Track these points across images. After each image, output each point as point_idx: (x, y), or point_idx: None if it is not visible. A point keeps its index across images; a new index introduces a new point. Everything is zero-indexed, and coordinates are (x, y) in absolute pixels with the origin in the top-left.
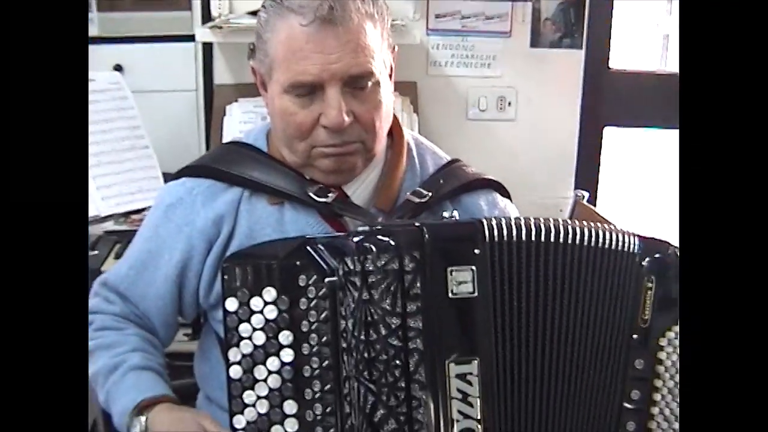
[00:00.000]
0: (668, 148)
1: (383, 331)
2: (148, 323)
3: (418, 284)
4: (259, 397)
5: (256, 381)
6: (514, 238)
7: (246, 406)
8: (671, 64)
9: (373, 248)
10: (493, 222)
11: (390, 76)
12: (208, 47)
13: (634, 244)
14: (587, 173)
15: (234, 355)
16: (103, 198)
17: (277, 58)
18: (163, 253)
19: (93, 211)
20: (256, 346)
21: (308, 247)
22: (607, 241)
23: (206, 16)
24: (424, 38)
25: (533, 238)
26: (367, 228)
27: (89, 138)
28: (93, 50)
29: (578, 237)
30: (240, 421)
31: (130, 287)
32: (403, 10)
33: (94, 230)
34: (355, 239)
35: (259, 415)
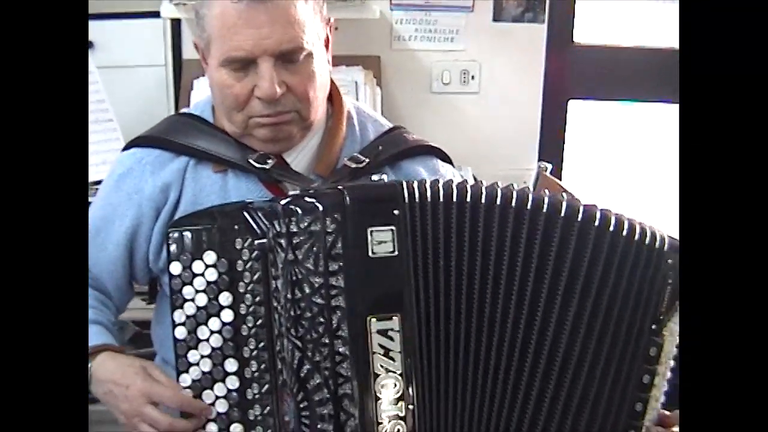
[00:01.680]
0: (634, 121)
1: (307, 290)
2: (101, 286)
3: (340, 244)
4: (202, 356)
5: (200, 341)
6: (436, 200)
7: (191, 365)
8: (636, 38)
9: (299, 210)
10: (414, 184)
11: (327, 47)
12: (176, 23)
13: (661, 240)
14: (551, 146)
15: (179, 316)
16: None
17: (213, 33)
18: (114, 220)
19: None
20: (198, 308)
21: (245, 212)
22: (539, 205)
23: None
24: (388, 13)
25: (454, 200)
26: (297, 191)
27: None
28: None
29: (502, 200)
30: (185, 380)
31: None
32: None
33: None
34: (283, 202)
35: (203, 373)
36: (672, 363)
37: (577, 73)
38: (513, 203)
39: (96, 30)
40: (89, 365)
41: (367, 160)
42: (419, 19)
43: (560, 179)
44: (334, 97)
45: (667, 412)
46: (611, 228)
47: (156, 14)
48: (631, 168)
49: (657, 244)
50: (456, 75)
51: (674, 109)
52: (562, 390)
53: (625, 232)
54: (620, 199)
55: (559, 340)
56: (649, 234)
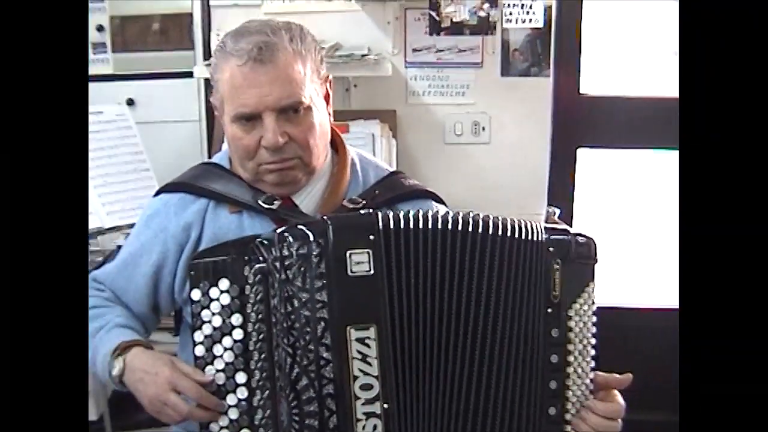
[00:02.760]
0: (642, 167)
1: (296, 304)
2: (130, 312)
3: (324, 265)
4: (217, 371)
5: (215, 357)
6: (406, 226)
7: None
8: (641, 88)
9: (290, 237)
10: (389, 214)
11: (327, 101)
12: (208, 82)
13: (541, 233)
14: (561, 192)
15: (198, 336)
16: (108, 213)
17: (224, 94)
18: (143, 255)
19: (97, 223)
20: (214, 328)
21: (252, 244)
22: (501, 229)
23: (207, 54)
24: (403, 70)
25: (421, 226)
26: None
27: (96, 162)
28: (108, 86)
29: (468, 226)
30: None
31: (113, 282)
32: (383, 45)
33: (108, 245)
34: (278, 231)
35: (218, 386)
36: (593, 341)
37: (585, 123)
38: (461, 227)
39: (135, 89)
40: (122, 358)
41: (364, 202)
42: (432, 75)
43: (571, 224)
44: (338, 146)
45: (601, 374)
46: (496, 232)
47: (190, 74)
48: (639, 213)
49: (536, 237)
50: (468, 126)
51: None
52: (492, 382)
53: (507, 233)
54: (628, 244)
55: (476, 340)
56: (527, 230)
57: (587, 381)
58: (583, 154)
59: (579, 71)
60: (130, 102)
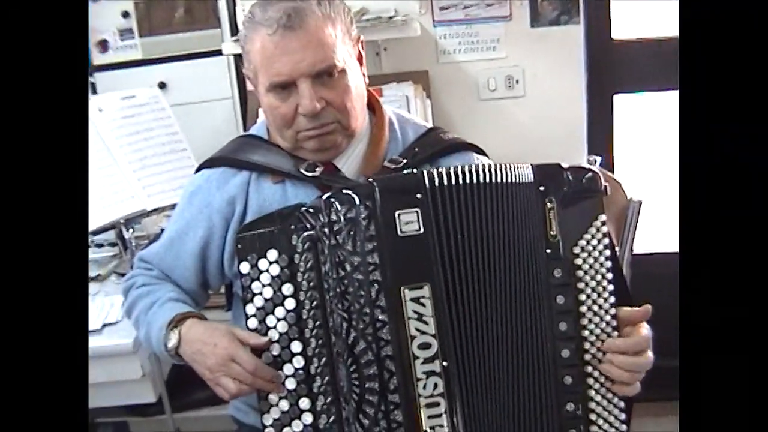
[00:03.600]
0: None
1: (349, 268)
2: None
3: (373, 227)
4: (272, 342)
5: (269, 328)
6: (452, 183)
7: (262, 351)
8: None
9: (336, 203)
10: (434, 171)
11: (360, 62)
12: (239, 58)
13: (528, 174)
14: (600, 141)
15: (250, 309)
16: (149, 195)
17: (257, 64)
18: (188, 232)
19: (139, 206)
20: (266, 299)
21: (298, 212)
22: (507, 176)
23: (234, 30)
24: (432, 30)
25: (463, 181)
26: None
27: (133, 147)
28: (139, 71)
29: (484, 176)
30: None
31: (161, 261)
32: (409, 6)
33: (151, 228)
34: (324, 197)
35: (274, 356)
36: (610, 275)
37: (620, 68)
38: (491, 179)
39: (166, 72)
40: (178, 329)
41: (405, 161)
42: (461, 32)
43: (612, 171)
44: (375, 107)
45: (625, 309)
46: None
47: (219, 52)
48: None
49: (522, 178)
50: (501, 81)
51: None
52: (512, 331)
53: (491, 181)
54: (671, 186)
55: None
56: (511, 173)
57: (607, 318)
58: (620, 101)
59: (609, 16)
60: (162, 85)
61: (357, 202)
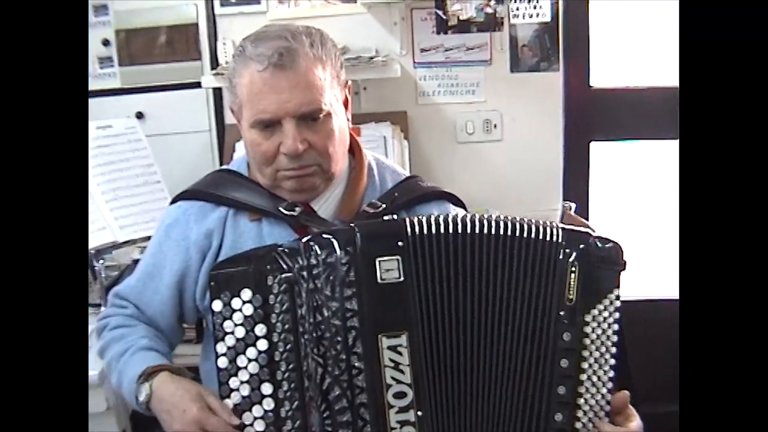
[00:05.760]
0: (657, 158)
1: (326, 313)
2: (156, 326)
3: (353, 273)
4: (242, 382)
5: (239, 368)
6: (434, 232)
7: (232, 390)
8: (654, 79)
9: (316, 246)
10: (415, 219)
11: (346, 106)
12: (217, 91)
13: (557, 234)
14: (575, 187)
15: (221, 348)
16: (121, 227)
17: (243, 98)
18: (165, 265)
19: (111, 237)
20: (237, 339)
21: (274, 253)
22: (525, 232)
23: (214, 63)
24: (412, 71)
25: (451, 231)
26: (316, 231)
27: (107, 176)
28: (116, 100)
29: (495, 229)
30: (228, 405)
31: (138, 296)
32: (390, 46)
33: (123, 259)
34: (304, 240)
35: (243, 397)
36: (613, 350)
37: (597, 116)
38: (503, 232)
39: (144, 102)
40: (149, 384)
41: (384, 206)
42: (441, 74)
43: (587, 218)
44: (355, 151)
45: (617, 395)
46: (501, 232)
47: (198, 84)
48: (655, 205)
49: (550, 237)
50: (479, 124)
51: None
52: (497, 386)
53: (516, 234)
54: (645, 235)
55: (491, 340)
56: (539, 230)
57: (603, 390)
58: (597, 148)
59: (588, 64)
60: (140, 115)
61: (337, 246)
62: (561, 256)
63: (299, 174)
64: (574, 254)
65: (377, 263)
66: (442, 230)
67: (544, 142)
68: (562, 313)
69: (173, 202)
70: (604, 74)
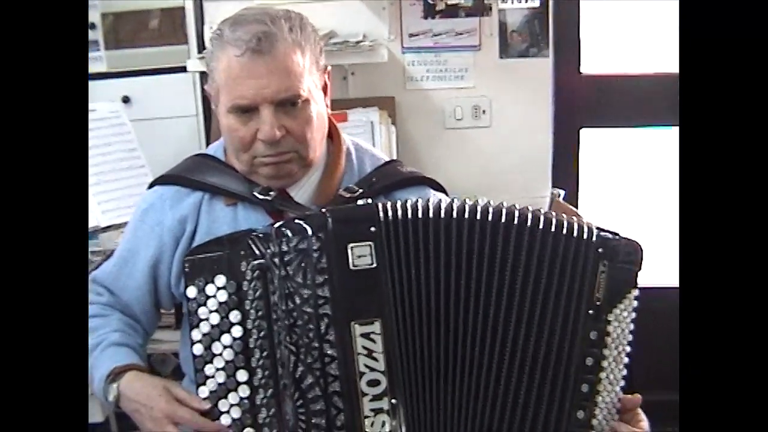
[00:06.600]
0: (647, 145)
1: (298, 301)
2: (131, 312)
3: (324, 260)
4: (217, 369)
5: (215, 355)
6: (410, 216)
7: (208, 377)
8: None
9: (288, 232)
10: (389, 204)
11: (325, 92)
12: (204, 75)
13: (587, 230)
14: (565, 174)
15: (196, 334)
16: (104, 212)
17: (220, 83)
18: (140, 250)
19: (94, 222)
20: (212, 326)
21: (248, 238)
22: (506, 218)
23: (201, 47)
24: (400, 56)
25: (426, 216)
26: (290, 216)
27: (90, 161)
28: (102, 84)
29: (477, 214)
30: (204, 392)
31: (114, 281)
32: (379, 31)
33: (108, 245)
34: (276, 226)
35: (219, 384)
36: (628, 348)
37: (587, 103)
38: (468, 215)
39: (131, 86)
40: (116, 384)
41: (361, 190)
42: (430, 60)
43: (576, 206)
44: (333, 135)
45: (628, 396)
46: (541, 226)
47: (184, 69)
48: (644, 192)
49: (585, 236)
50: (468, 110)
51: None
52: (513, 378)
53: (553, 229)
54: (635, 222)
55: (507, 333)
56: (576, 228)
57: (617, 388)
58: (586, 135)
59: (579, 50)
60: (126, 99)
61: (309, 232)
62: (592, 255)
63: (276, 161)
64: (606, 254)
65: (349, 249)
66: (418, 215)
67: (533, 128)
68: (591, 312)
69: (150, 186)
70: (595, 60)
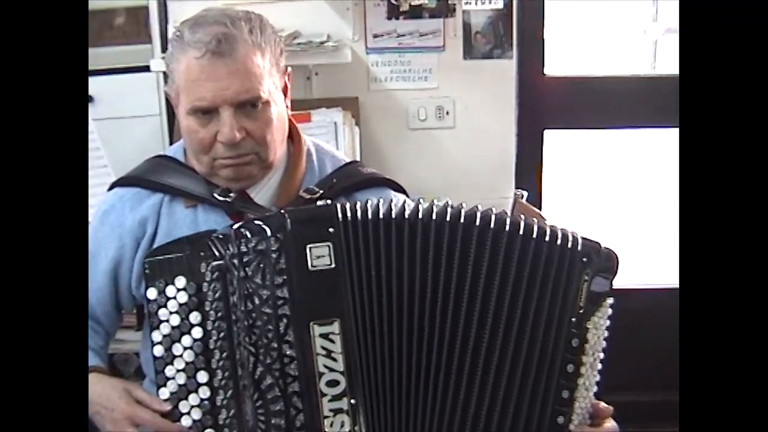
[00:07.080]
0: (611, 147)
1: (257, 302)
2: (92, 313)
3: (283, 260)
4: (178, 371)
5: (175, 357)
6: (370, 217)
7: (168, 379)
8: (609, 68)
9: (248, 233)
10: (347, 205)
11: (285, 94)
12: (167, 75)
13: (572, 240)
14: (528, 175)
15: (156, 336)
16: None
17: (180, 85)
18: (101, 252)
19: None
20: (173, 327)
21: (208, 240)
22: (465, 219)
23: (165, 47)
24: (364, 56)
25: (385, 216)
26: (249, 217)
27: None
28: None
29: (435, 216)
30: (164, 393)
31: None
32: (343, 32)
33: None
34: (235, 227)
35: (179, 386)
36: (602, 355)
37: (551, 104)
38: (434, 218)
39: (94, 85)
40: None
41: (321, 192)
42: (394, 60)
43: (539, 207)
44: (294, 137)
45: (602, 404)
46: (522, 233)
47: (148, 68)
48: (607, 193)
49: (570, 244)
50: (431, 111)
51: (645, 134)
52: (489, 382)
53: (538, 237)
54: (597, 223)
55: (481, 336)
56: (560, 236)
57: (591, 394)
58: (550, 136)
59: (543, 52)
60: (89, 99)
61: (268, 233)
62: (578, 264)
63: (236, 162)
64: (590, 264)
65: (308, 250)
66: (379, 216)
67: (497, 129)
68: (573, 319)
69: (110, 188)
70: (559, 62)
